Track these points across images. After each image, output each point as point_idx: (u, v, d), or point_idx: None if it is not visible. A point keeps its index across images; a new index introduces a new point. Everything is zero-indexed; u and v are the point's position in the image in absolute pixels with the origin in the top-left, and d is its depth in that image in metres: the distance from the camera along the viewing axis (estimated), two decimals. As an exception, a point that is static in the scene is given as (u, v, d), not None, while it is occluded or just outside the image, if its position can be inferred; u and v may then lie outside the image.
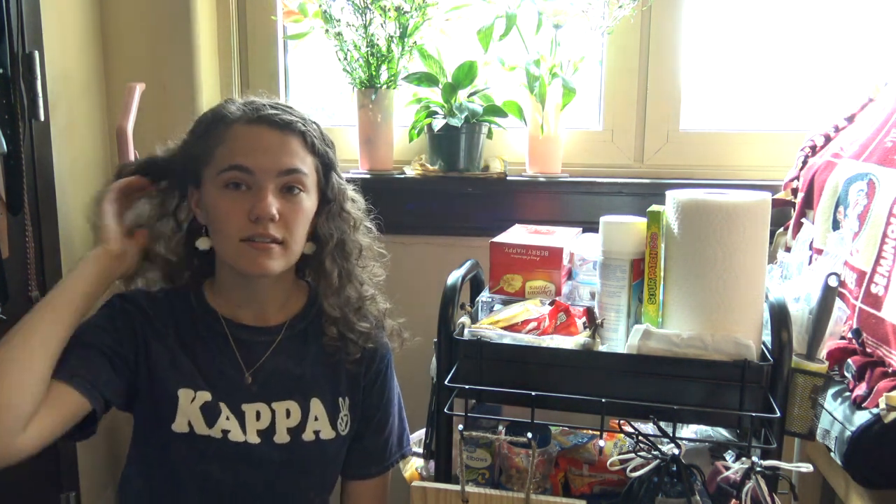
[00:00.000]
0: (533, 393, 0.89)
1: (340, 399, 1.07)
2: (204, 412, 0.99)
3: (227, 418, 1.00)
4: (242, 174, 0.96)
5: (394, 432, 1.14)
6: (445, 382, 0.93)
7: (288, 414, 1.03)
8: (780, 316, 0.88)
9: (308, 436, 1.04)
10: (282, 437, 1.02)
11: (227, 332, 1.04)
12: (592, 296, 1.09)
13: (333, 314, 1.06)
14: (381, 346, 1.12)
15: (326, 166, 1.05)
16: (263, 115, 0.98)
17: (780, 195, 1.33)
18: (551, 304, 1.02)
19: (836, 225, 1.10)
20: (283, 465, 1.03)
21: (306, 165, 1.00)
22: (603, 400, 0.87)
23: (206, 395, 1.00)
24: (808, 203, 1.22)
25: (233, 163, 0.96)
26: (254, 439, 1.01)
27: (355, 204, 1.11)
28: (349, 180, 1.12)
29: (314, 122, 1.04)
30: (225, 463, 1.00)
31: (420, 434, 1.16)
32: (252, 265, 0.97)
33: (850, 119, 1.26)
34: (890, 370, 0.90)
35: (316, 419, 1.04)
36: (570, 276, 1.14)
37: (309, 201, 1.01)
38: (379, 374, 1.12)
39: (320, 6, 1.49)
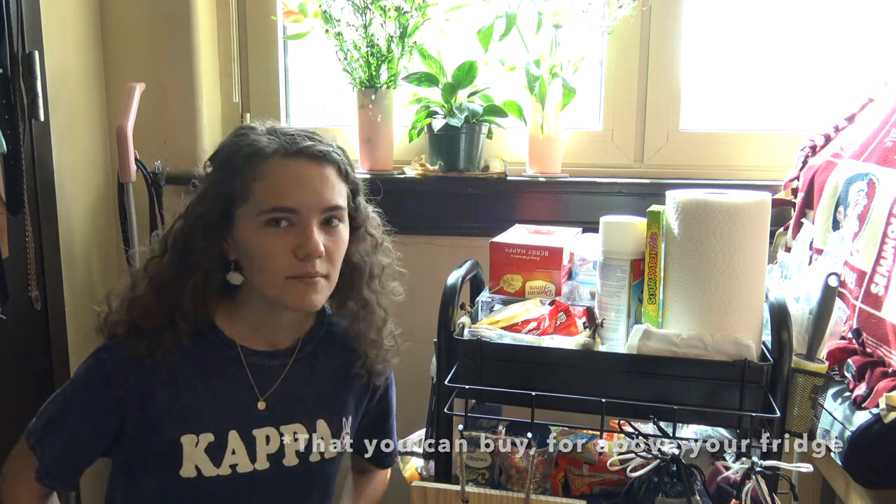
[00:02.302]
0: (533, 393, 0.89)
1: (344, 419, 1.08)
2: (209, 454, 0.98)
3: (233, 452, 0.99)
4: (286, 213, 0.93)
5: (393, 441, 1.19)
6: (445, 382, 0.93)
7: (295, 437, 1.03)
8: (780, 316, 0.88)
9: (314, 457, 1.05)
10: (290, 460, 1.03)
11: (241, 359, 1.01)
12: (592, 296, 1.08)
13: (372, 337, 1.06)
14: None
15: (354, 192, 1.03)
16: (301, 147, 0.95)
17: (780, 195, 1.33)
18: (551, 304, 1.02)
19: (836, 225, 1.10)
20: (291, 486, 1.04)
21: (343, 197, 0.98)
22: (603, 400, 0.87)
23: (209, 437, 0.98)
24: (808, 203, 1.22)
25: (277, 204, 0.92)
26: (262, 465, 1.01)
27: (377, 224, 1.10)
28: None
29: (340, 147, 1.02)
30: (235, 496, 1.00)
31: (420, 434, 1.16)
32: (301, 302, 0.95)
33: (850, 119, 1.26)
34: (890, 370, 0.90)
35: (321, 440, 1.05)
36: (570, 276, 1.14)
37: (345, 231, 1.00)
38: (384, 390, 1.15)
39: (320, 6, 1.49)
